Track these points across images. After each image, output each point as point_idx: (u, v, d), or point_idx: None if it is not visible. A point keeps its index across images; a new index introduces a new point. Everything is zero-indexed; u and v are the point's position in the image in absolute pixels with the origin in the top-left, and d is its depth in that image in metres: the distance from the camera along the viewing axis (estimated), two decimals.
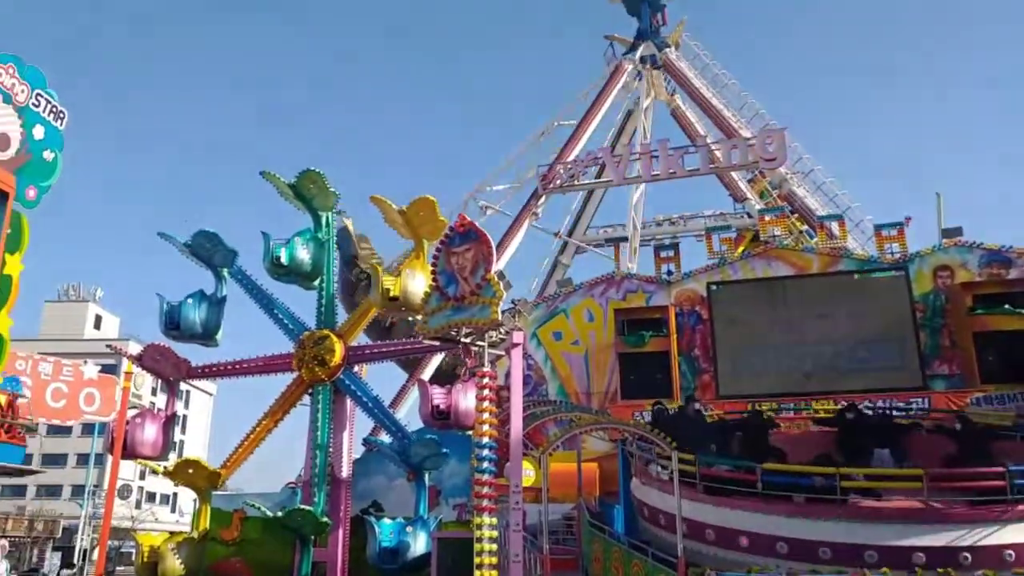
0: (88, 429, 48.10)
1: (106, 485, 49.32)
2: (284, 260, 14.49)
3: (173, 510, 70.25)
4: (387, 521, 13.22)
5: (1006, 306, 18.08)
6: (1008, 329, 17.86)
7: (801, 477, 11.52)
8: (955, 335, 18.54)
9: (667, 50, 36.32)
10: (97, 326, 76.53)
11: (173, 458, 16.26)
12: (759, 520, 11.40)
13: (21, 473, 12.39)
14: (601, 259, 34.88)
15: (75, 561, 39.24)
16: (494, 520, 10.06)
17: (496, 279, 10.53)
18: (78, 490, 55.80)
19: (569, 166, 30.58)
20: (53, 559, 41.36)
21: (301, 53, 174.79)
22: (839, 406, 15.22)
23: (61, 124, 11.18)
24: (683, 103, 37.16)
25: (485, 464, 10.23)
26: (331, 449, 14.36)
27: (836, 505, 11.17)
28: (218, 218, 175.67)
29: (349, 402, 14.82)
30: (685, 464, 11.75)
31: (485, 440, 10.30)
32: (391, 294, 13.36)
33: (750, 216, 32.02)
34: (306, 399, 15.03)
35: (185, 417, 71.66)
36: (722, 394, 19.06)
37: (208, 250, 15.26)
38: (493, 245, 11.00)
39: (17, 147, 10.39)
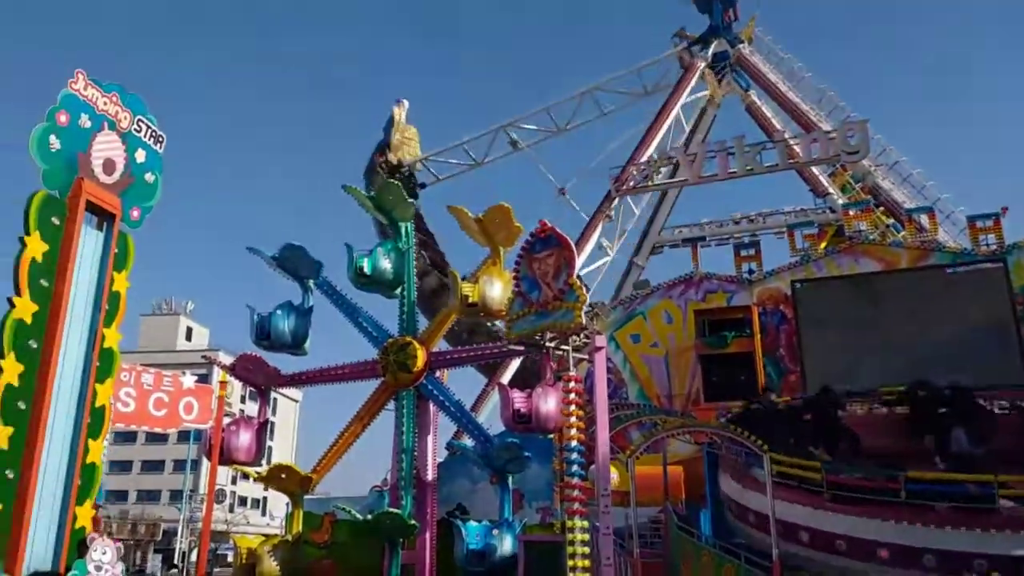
0: (183, 436, 50.38)
1: (202, 490, 51.61)
2: (367, 270, 14.84)
3: (264, 513, 72.73)
4: (473, 524, 13.36)
5: None
6: None
7: (951, 485, 10.84)
8: None
9: (740, 46, 35.66)
10: (188, 338, 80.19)
11: (264, 464, 16.89)
12: (902, 531, 10.72)
13: None
14: (677, 261, 34.49)
15: (176, 563, 41.07)
16: (585, 523, 10.06)
17: (579, 283, 10.56)
18: (175, 495, 58.42)
19: (642, 167, 30.33)
20: (155, 560, 43.41)
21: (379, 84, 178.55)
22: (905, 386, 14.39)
23: (160, 147, 11.81)
24: (758, 99, 36.40)
25: (574, 468, 10.26)
26: (416, 453, 14.63)
27: (989, 514, 10.45)
28: (302, 231, 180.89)
29: (432, 407, 15.07)
30: (810, 471, 11.34)
31: (573, 444, 10.33)
32: (470, 300, 13.54)
33: (833, 211, 31.01)
34: (391, 404, 15.36)
35: (273, 424, 74.20)
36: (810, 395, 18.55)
37: (294, 262, 15.75)
38: (575, 250, 11.04)
39: (122, 171, 11.01)
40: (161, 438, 61.38)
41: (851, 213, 21.78)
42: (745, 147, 26.67)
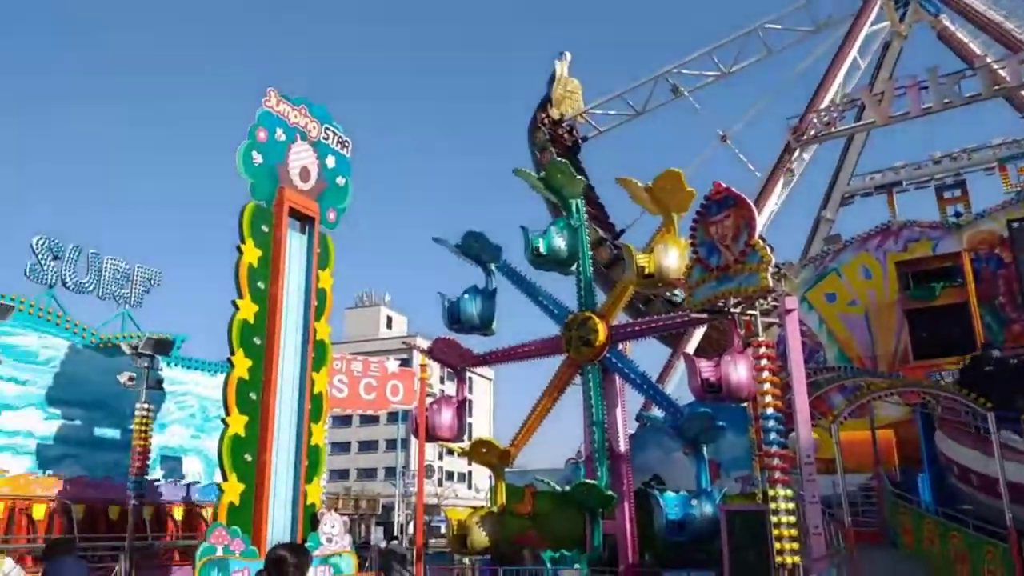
0: (392, 417, 54.23)
1: (412, 466, 55.16)
2: (543, 250, 15.11)
3: (470, 487, 76.67)
4: (671, 494, 13.29)
5: None
6: None
7: None
8: None
9: None
10: (389, 326, 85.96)
11: (466, 439, 17.79)
12: None
13: None
14: (870, 211, 31.86)
15: (395, 534, 44.40)
16: (789, 492, 9.72)
17: (762, 244, 10.12)
18: (390, 471, 63.09)
19: (823, 114, 28.28)
20: (377, 533, 47.14)
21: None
22: None
23: (347, 151, 12.73)
24: (951, 23, 32.59)
25: (772, 436, 9.92)
26: (606, 425, 14.77)
27: None
28: (480, 217, 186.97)
29: (618, 379, 15.13)
30: None
31: (769, 411, 9.98)
32: (646, 271, 13.38)
33: None
34: (577, 379, 15.61)
35: (471, 401, 77.70)
36: None
37: (476, 249, 16.37)
38: (754, 208, 10.58)
39: (316, 177, 11.99)
40: (373, 420, 66.58)
41: None
42: (940, 78, 24.04)
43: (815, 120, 28.13)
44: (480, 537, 14.38)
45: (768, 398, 10.08)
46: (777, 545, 9.52)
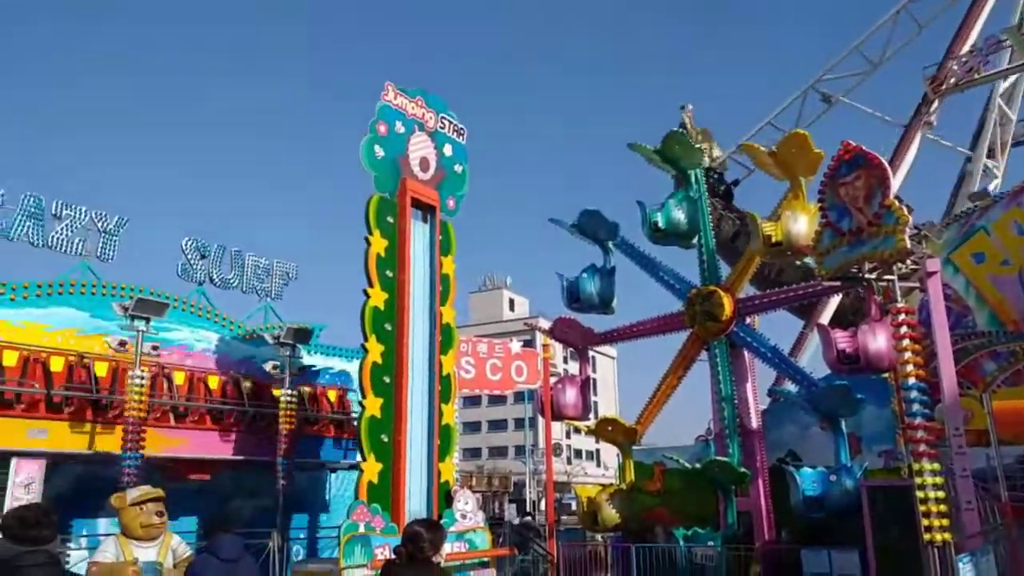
0: (519, 397, 55.20)
1: (541, 444, 56.02)
2: (661, 224, 14.87)
3: (598, 464, 77.06)
4: (808, 470, 12.85)
5: None
6: None
7: None
8: None
9: None
10: (511, 308, 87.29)
11: (592, 418, 17.85)
12: None
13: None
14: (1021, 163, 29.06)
15: (528, 511, 45.30)
16: (936, 466, 9.19)
17: (897, 204, 9.55)
18: (519, 450, 64.34)
19: (964, 59, 26.08)
20: (510, 509, 48.27)
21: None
22: None
23: (463, 139, 12.99)
24: None
25: (915, 407, 9.40)
26: (736, 401, 14.44)
27: None
28: (596, 195, 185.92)
29: (747, 354, 14.73)
30: None
31: (912, 382, 9.46)
32: (773, 240, 12.92)
33: None
34: (704, 355, 15.31)
35: (595, 380, 77.99)
36: None
37: (592, 227, 16.30)
38: (887, 167, 9.98)
39: (435, 167, 12.33)
40: (500, 400, 68.01)
41: None
42: None
43: (955, 67, 26.02)
44: (610, 514, 14.46)
45: (910, 367, 9.55)
46: (925, 522, 9.04)
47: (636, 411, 16.07)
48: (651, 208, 15.04)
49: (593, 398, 17.59)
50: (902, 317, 9.67)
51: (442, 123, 12.63)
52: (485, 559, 11.71)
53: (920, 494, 9.14)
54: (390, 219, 11.37)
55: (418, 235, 11.88)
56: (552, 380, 17.22)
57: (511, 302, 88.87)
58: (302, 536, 15.34)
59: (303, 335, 14.09)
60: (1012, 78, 28.83)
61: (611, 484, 16.02)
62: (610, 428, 15.87)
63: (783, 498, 13.16)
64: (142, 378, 11.40)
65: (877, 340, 10.74)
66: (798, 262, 13.94)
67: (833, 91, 30.76)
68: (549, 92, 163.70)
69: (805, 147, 12.47)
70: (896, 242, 9.48)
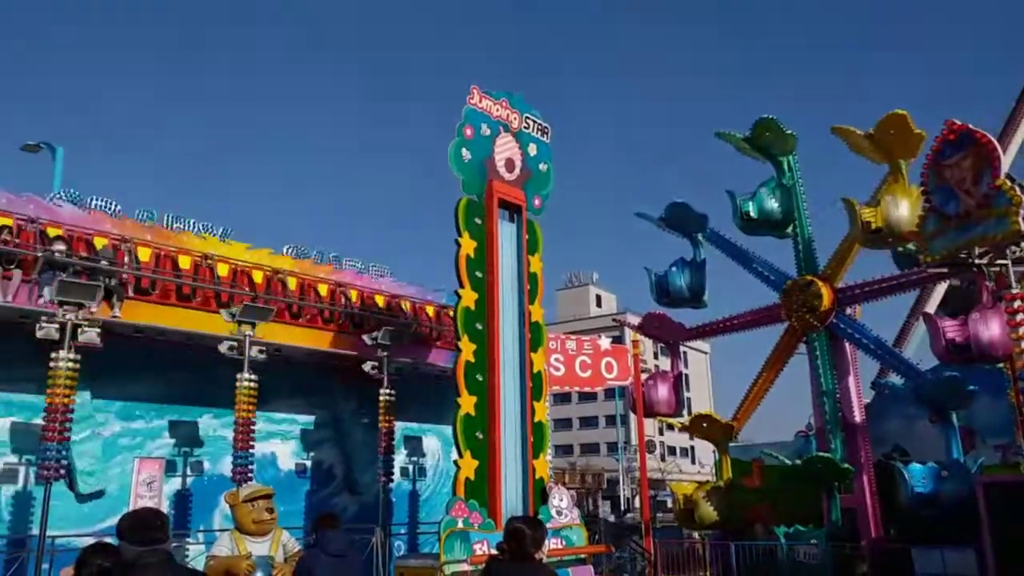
0: (609, 393, 54.87)
1: (633, 441, 55.56)
2: (753, 213, 14.53)
3: (693, 461, 75.76)
4: (917, 465, 12.32)
5: None
6: None
7: None
8: None
9: None
10: (599, 304, 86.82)
11: (685, 414, 17.62)
12: None
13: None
14: None
15: (622, 508, 45.05)
16: None
17: (1008, 184, 9.03)
18: (611, 446, 64.00)
19: None
20: (604, 506, 48.07)
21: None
22: None
23: (547, 138, 13.05)
24: None
25: None
26: (838, 395, 13.97)
27: None
28: (682, 187, 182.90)
29: (848, 346, 14.22)
30: None
31: None
32: (873, 226, 12.43)
33: None
34: (802, 348, 14.87)
35: (687, 376, 76.72)
36: None
37: (680, 220, 16.07)
38: (997, 145, 9.44)
39: (520, 167, 12.43)
40: (591, 397, 67.79)
41: None
42: None
43: None
44: (708, 511, 14.26)
45: None
46: None
47: (731, 406, 15.80)
48: (742, 197, 14.71)
49: (686, 394, 17.34)
50: (1017, 304, 9.15)
51: (526, 123, 12.72)
52: (582, 556, 11.74)
53: None
54: (478, 220, 11.53)
55: (506, 235, 12.00)
56: (643, 377, 17.08)
57: (598, 298, 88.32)
58: (403, 532, 15.78)
59: (399, 336, 14.48)
60: None
61: (708, 481, 15.79)
62: (705, 424, 15.65)
63: (890, 495, 12.66)
64: (251, 380, 12.01)
65: (990, 328, 10.19)
66: (900, 248, 13.36)
67: None
68: (633, 84, 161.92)
69: (904, 128, 11.92)
70: (1009, 224, 8.97)
